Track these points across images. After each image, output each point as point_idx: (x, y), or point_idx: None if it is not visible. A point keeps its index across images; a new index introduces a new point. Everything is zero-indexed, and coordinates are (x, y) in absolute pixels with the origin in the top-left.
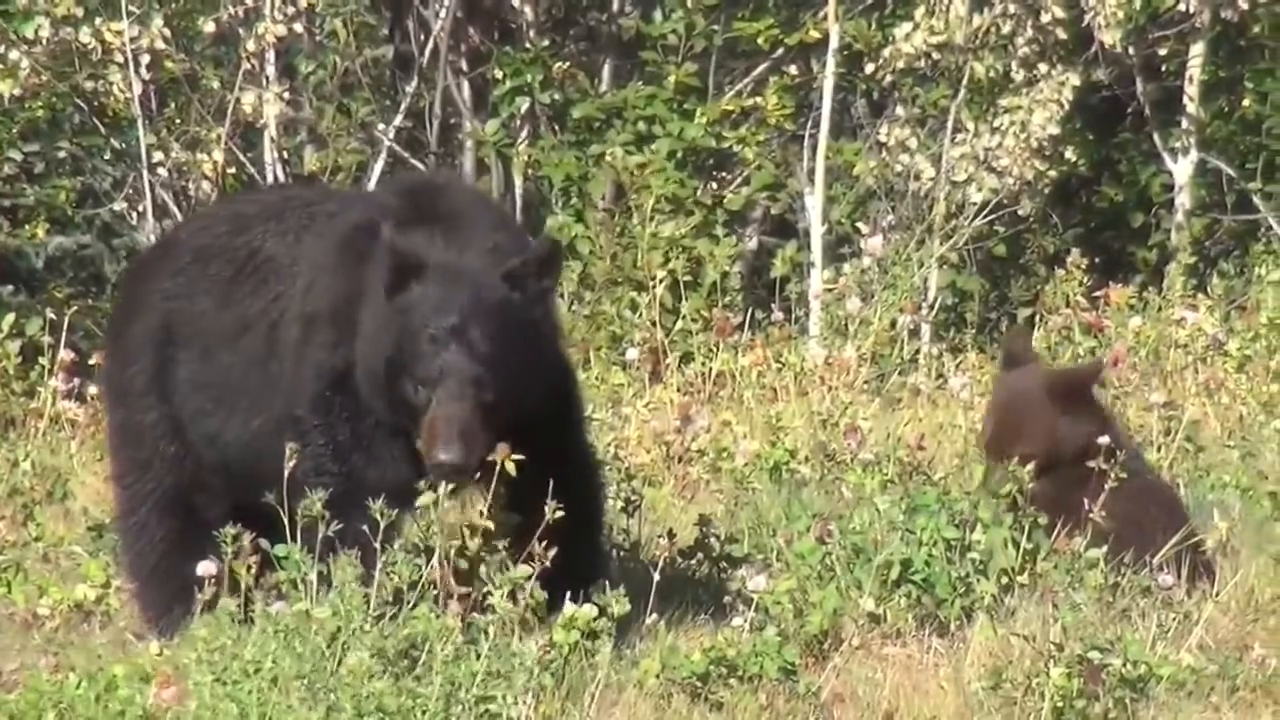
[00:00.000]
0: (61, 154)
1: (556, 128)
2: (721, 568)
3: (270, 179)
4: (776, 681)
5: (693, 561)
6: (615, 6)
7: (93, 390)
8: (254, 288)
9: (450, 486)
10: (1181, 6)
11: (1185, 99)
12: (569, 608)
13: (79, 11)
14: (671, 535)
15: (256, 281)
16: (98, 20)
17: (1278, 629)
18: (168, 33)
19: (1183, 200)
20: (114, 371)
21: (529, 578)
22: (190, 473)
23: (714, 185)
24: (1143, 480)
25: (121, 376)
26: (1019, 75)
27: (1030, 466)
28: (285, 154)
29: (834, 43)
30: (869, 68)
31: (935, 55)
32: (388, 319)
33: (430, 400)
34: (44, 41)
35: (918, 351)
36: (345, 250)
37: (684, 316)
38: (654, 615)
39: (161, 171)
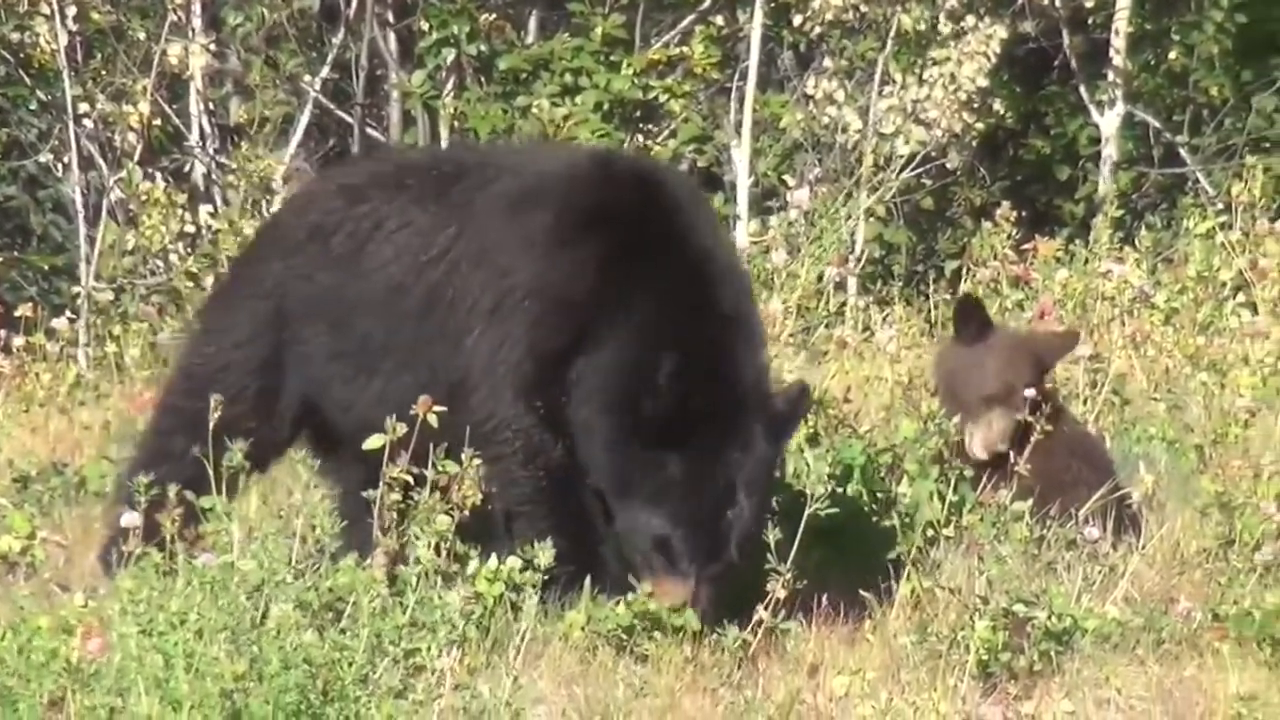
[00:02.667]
0: None
1: (483, 79)
2: None
3: (195, 132)
4: (701, 634)
5: None
6: None
7: (19, 342)
8: (394, 254)
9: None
10: None
11: (1112, 51)
12: (493, 560)
13: None
14: None
15: (395, 248)
16: None
17: (1203, 582)
18: None
19: (1110, 153)
20: (202, 351)
21: (449, 530)
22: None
23: (640, 137)
24: (1069, 433)
25: (211, 355)
26: (946, 28)
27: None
28: (211, 106)
29: None
30: (796, 19)
31: (863, 7)
32: None
33: None
34: None
35: (844, 304)
36: (577, 233)
37: None
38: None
39: (87, 123)
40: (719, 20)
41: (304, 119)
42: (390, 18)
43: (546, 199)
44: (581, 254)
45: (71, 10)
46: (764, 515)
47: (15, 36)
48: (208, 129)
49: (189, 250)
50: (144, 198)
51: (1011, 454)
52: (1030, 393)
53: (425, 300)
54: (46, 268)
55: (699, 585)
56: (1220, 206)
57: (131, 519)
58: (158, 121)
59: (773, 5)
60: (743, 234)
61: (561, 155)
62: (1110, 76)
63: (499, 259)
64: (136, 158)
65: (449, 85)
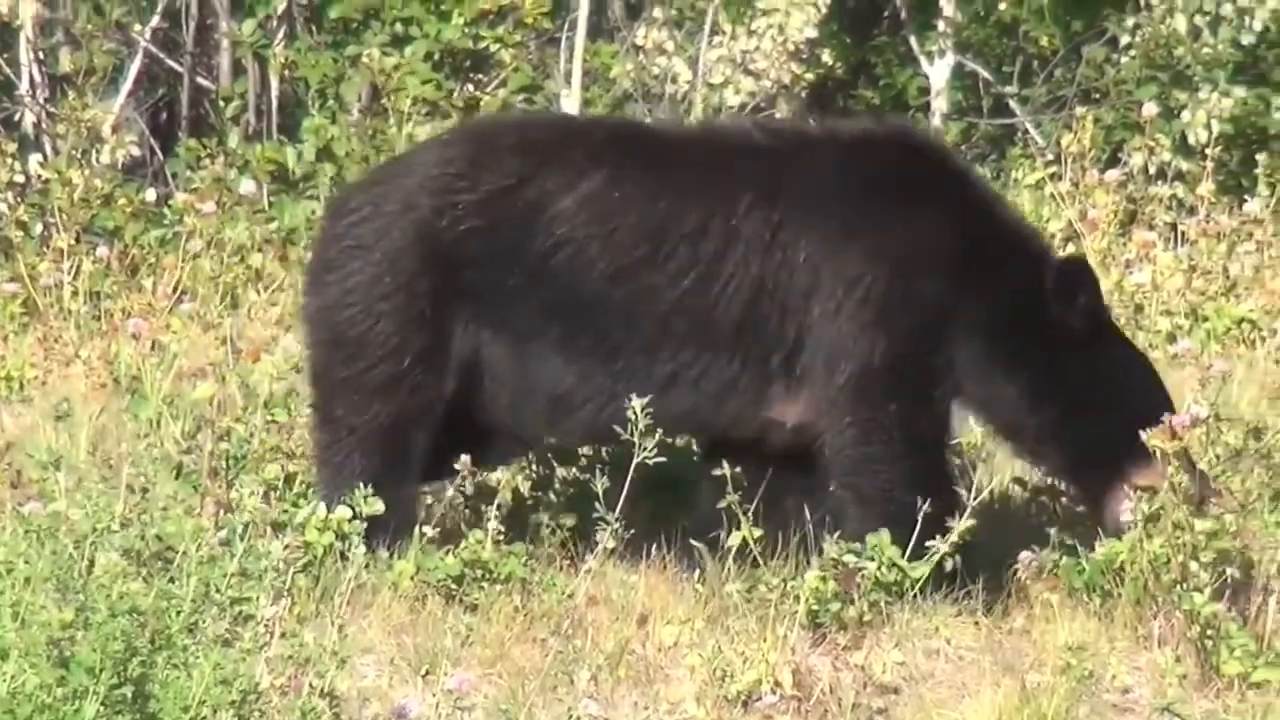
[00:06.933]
0: None
1: (313, 28)
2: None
3: (26, 81)
4: (532, 584)
5: None
6: None
7: None
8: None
9: None
10: None
11: (942, 2)
12: (322, 509)
13: None
14: None
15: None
16: None
17: (1033, 532)
18: None
19: (939, 104)
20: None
21: (278, 479)
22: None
23: (470, 87)
24: None
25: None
26: None
27: None
28: (41, 55)
29: None
30: None
31: None
32: None
33: None
34: None
35: None
36: (912, 207)
37: None
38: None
39: None
40: None
41: (134, 68)
42: None
43: (855, 177)
44: (924, 225)
45: None
46: None
47: None
48: (38, 78)
49: (18, 199)
50: None
51: None
52: None
53: (704, 282)
54: None
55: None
56: (1050, 157)
57: None
58: None
59: None
60: None
61: (822, 132)
62: (940, 27)
63: (840, 244)
64: None
65: (279, 34)
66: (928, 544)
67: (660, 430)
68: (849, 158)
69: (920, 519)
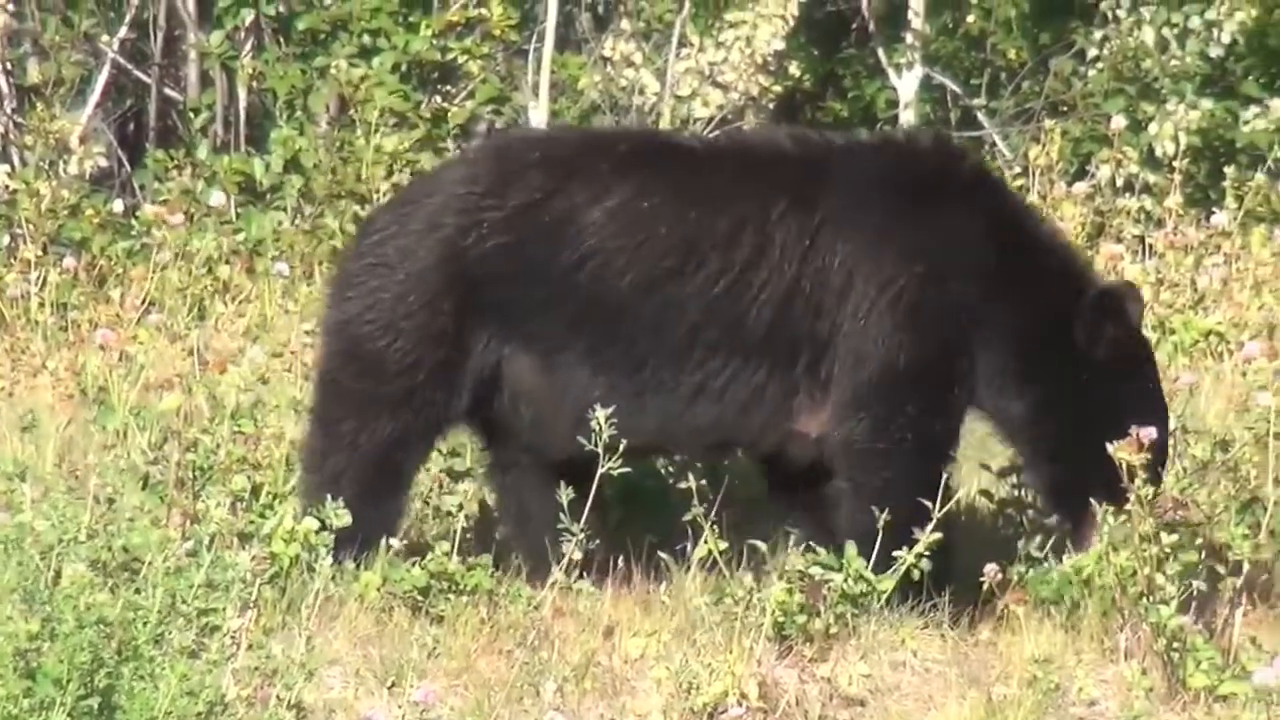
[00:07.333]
0: None
1: (281, 40)
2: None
3: None
4: (498, 596)
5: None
6: None
7: None
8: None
9: None
10: None
11: (910, 14)
12: (289, 521)
13: None
14: None
15: (661, 238)
16: None
17: (1000, 544)
18: None
19: (908, 116)
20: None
21: (245, 490)
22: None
23: (438, 99)
24: None
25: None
26: None
27: None
28: (9, 65)
29: None
30: None
31: None
32: None
33: None
34: None
35: None
36: (938, 212)
37: None
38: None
39: None
40: None
41: (101, 79)
42: None
43: (891, 182)
44: (958, 231)
45: None
46: None
47: None
48: (5, 89)
49: None
50: None
51: None
52: None
53: (733, 289)
54: None
55: None
56: (1018, 170)
57: None
58: None
59: None
60: None
61: (838, 142)
62: (908, 39)
63: (875, 247)
64: None
65: (247, 45)
66: (894, 554)
67: (686, 445)
68: (886, 162)
69: (911, 527)
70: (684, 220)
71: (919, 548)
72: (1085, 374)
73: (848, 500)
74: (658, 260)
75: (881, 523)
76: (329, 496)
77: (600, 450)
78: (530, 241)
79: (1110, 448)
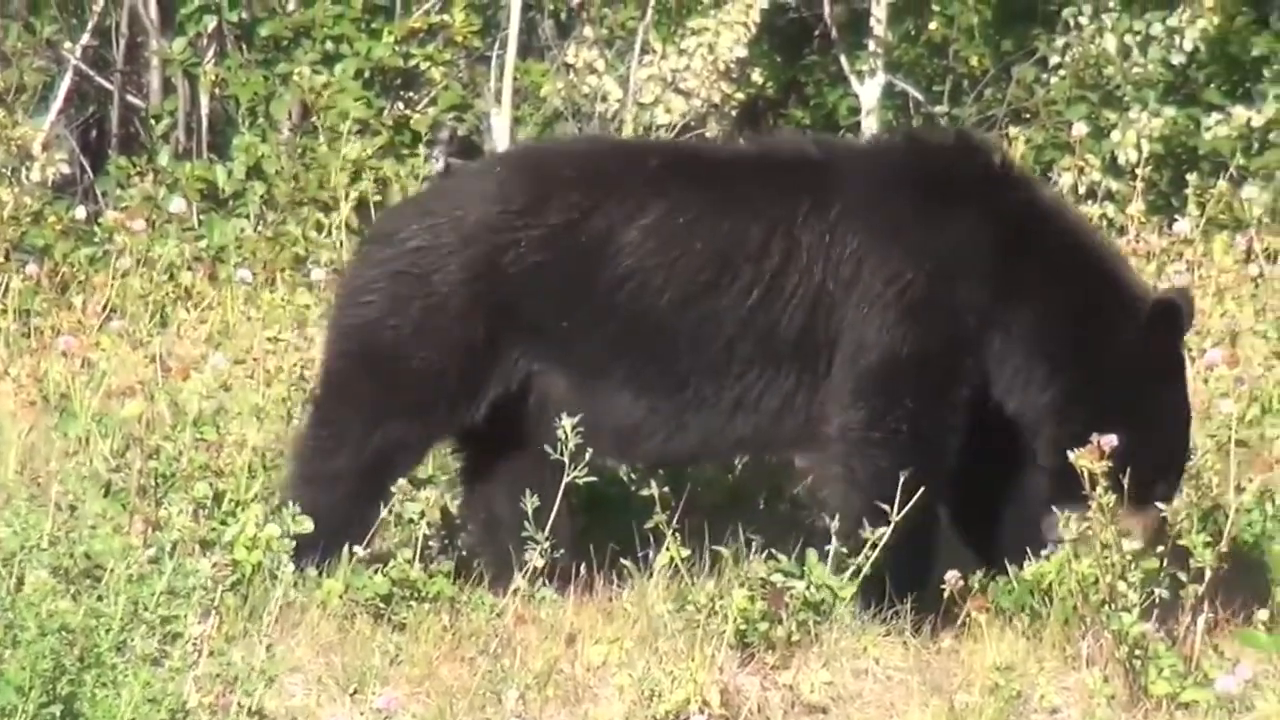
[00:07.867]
0: None
1: (244, 46)
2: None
3: None
4: (460, 603)
5: None
6: None
7: None
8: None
9: None
10: None
11: (873, 21)
12: (252, 528)
13: None
14: None
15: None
16: None
17: (958, 548)
18: None
19: (870, 123)
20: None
21: (207, 497)
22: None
23: (400, 105)
24: None
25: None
26: None
27: None
28: None
29: None
30: None
31: None
32: None
33: None
34: None
35: None
36: (954, 209)
37: None
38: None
39: None
40: None
41: (64, 86)
42: None
43: (907, 179)
44: (972, 229)
45: None
46: None
47: None
48: None
49: None
50: None
51: None
52: None
53: (748, 293)
54: None
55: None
56: None
57: None
58: None
59: None
60: None
61: (842, 143)
62: (871, 46)
63: (885, 240)
64: None
65: (210, 52)
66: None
67: (725, 457)
68: (904, 160)
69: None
70: (718, 232)
71: (872, 539)
72: (1112, 376)
73: (841, 486)
74: (694, 275)
75: (869, 509)
76: (320, 493)
77: (566, 460)
78: (569, 261)
79: (1070, 455)
